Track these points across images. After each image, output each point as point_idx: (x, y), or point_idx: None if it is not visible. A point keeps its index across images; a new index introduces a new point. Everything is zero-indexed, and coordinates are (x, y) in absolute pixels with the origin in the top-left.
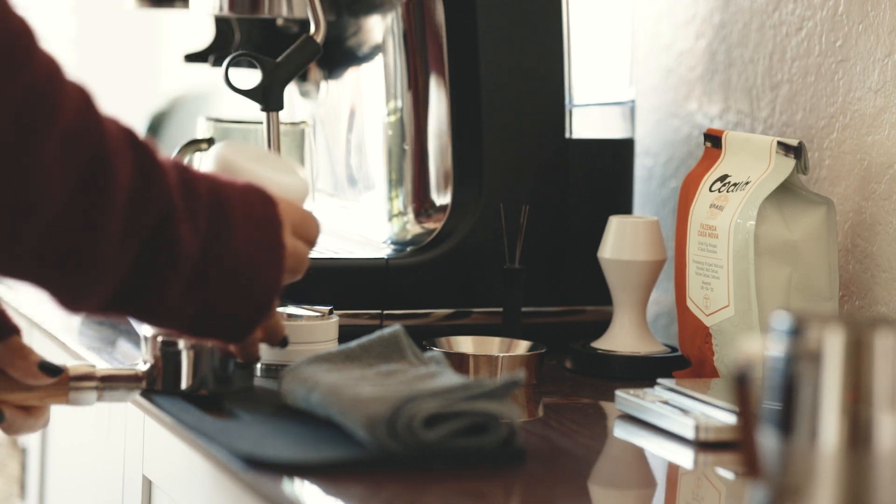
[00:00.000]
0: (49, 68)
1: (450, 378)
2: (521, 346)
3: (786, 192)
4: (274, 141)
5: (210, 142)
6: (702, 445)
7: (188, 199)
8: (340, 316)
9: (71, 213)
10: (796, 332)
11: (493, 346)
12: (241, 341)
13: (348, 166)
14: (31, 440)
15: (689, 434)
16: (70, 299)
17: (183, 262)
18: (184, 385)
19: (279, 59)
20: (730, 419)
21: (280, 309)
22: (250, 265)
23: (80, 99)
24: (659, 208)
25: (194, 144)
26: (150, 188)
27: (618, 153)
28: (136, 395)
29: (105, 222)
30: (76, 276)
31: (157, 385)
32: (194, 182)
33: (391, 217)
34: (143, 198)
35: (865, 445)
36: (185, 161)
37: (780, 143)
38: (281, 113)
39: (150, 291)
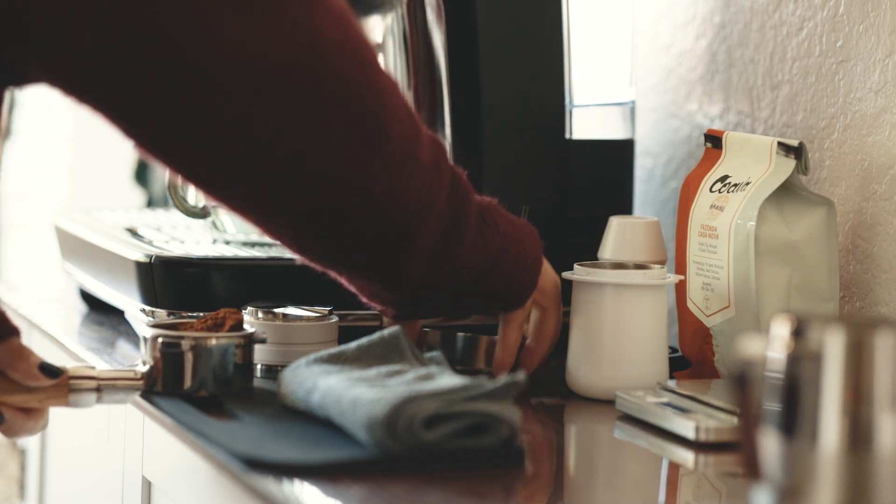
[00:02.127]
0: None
1: (450, 379)
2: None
3: (786, 192)
4: None
5: None
6: (702, 446)
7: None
8: (340, 316)
9: (404, 148)
10: (797, 332)
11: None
12: (517, 309)
13: None
14: (30, 441)
15: (690, 435)
16: (393, 276)
17: (469, 204)
18: (183, 386)
19: None
20: (730, 420)
21: (279, 309)
22: (522, 241)
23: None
24: (659, 209)
25: None
26: (440, 146)
27: (618, 153)
28: (136, 397)
29: (419, 158)
30: (408, 214)
31: (156, 386)
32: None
33: None
34: (439, 151)
35: (866, 446)
36: None
37: (780, 144)
38: None
39: (457, 238)
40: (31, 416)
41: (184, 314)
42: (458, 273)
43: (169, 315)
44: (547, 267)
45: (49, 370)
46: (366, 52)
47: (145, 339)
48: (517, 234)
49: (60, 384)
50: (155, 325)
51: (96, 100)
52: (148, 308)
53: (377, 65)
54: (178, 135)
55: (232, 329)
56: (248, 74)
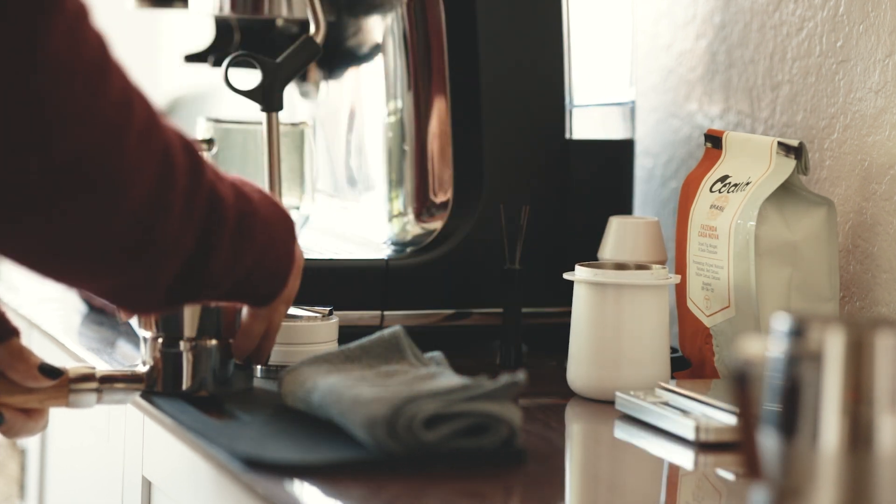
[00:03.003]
0: (122, 77)
1: (450, 379)
2: None
3: (786, 192)
4: (274, 142)
5: (210, 142)
6: (702, 446)
7: (218, 177)
8: (340, 317)
9: (152, 204)
10: (797, 332)
11: None
12: (269, 304)
13: (348, 167)
14: (30, 441)
15: (690, 435)
16: (138, 289)
17: (225, 217)
18: (183, 386)
19: (279, 60)
20: (730, 420)
21: None
22: (273, 218)
23: (146, 101)
24: (659, 209)
25: None
26: (198, 173)
27: (618, 153)
28: (136, 397)
29: (172, 205)
30: (147, 260)
31: (156, 386)
32: (212, 166)
33: (391, 218)
34: (196, 182)
35: (866, 446)
36: None
37: (780, 144)
38: (281, 113)
39: (204, 262)
40: (32, 417)
41: None
42: (204, 293)
43: None
44: (297, 261)
45: (49, 371)
46: (106, 128)
47: (145, 339)
48: (272, 238)
49: (60, 385)
50: None
51: None
52: None
53: (122, 138)
54: None
55: None
56: None
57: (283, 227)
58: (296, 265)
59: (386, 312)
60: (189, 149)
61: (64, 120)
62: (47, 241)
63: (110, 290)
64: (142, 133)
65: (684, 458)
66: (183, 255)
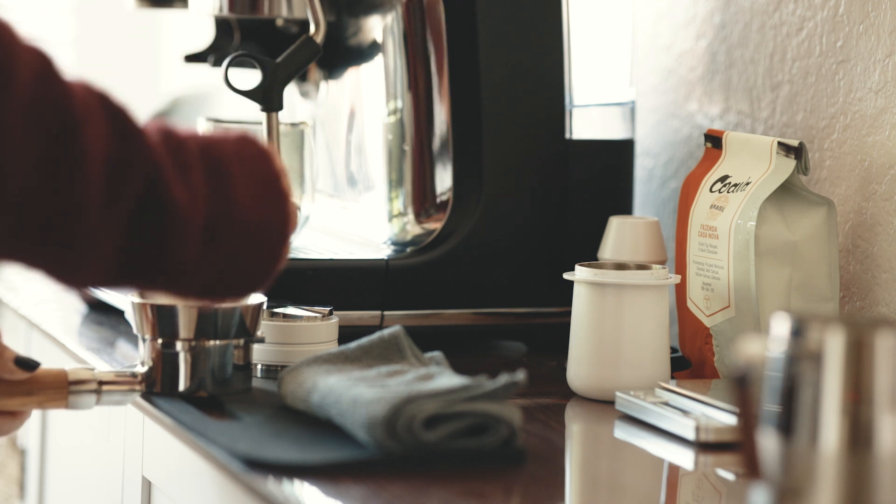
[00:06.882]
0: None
1: (450, 379)
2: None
3: (786, 192)
4: (274, 142)
5: None
6: (702, 446)
7: (177, 159)
8: (340, 317)
9: (43, 185)
10: (797, 332)
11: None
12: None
13: (348, 167)
14: (30, 441)
15: (690, 435)
16: (67, 275)
17: (183, 224)
18: (183, 387)
19: (279, 60)
20: (730, 420)
21: (279, 309)
22: (259, 219)
23: (38, 66)
24: (659, 209)
25: None
26: (130, 152)
27: (618, 154)
28: (136, 398)
29: (82, 192)
30: (65, 251)
31: (155, 387)
32: (182, 142)
33: (391, 218)
34: (122, 163)
35: (866, 446)
36: None
37: (780, 144)
38: (281, 113)
39: (156, 258)
40: (17, 417)
41: None
42: (160, 284)
43: None
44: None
45: (25, 363)
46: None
47: (144, 339)
48: (257, 239)
49: (60, 386)
50: None
51: None
52: None
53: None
54: None
55: None
56: None
57: (275, 220)
58: (281, 264)
59: (386, 312)
60: (117, 119)
61: None
62: None
63: (42, 267)
64: (27, 105)
65: (684, 458)
66: (111, 243)
